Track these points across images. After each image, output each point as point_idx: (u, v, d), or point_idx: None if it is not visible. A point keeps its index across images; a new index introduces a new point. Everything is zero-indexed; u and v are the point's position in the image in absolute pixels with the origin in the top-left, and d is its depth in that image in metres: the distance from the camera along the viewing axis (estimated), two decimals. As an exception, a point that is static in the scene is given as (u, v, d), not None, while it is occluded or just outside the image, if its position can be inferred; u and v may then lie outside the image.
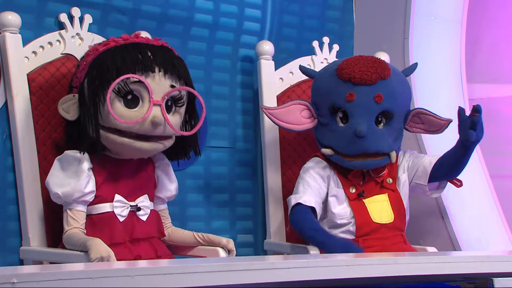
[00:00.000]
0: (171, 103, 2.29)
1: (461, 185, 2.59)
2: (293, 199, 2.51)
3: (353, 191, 2.54)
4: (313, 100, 2.62)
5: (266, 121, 2.78)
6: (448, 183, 2.62)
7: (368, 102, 2.49)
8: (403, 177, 2.60)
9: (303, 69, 2.72)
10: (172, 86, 2.26)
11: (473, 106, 2.41)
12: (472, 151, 2.52)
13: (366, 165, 2.51)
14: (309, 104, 2.59)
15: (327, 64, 2.82)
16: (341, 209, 2.52)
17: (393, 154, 2.54)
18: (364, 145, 2.48)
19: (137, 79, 2.21)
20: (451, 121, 2.55)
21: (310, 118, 2.59)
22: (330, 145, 2.55)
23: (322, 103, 2.57)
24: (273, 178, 2.78)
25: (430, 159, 2.59)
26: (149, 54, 2.24)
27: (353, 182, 2.55)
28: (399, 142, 2.58)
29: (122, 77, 2.19)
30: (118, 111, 2.22)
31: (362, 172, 2.56)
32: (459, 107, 2.48)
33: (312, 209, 2.49)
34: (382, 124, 2.53)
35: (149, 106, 2.22)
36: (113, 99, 2.21)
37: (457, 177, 2.59)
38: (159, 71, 2.23)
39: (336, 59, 2.71)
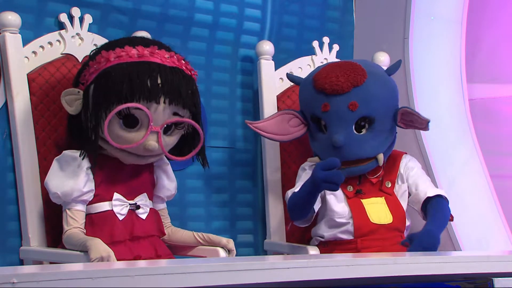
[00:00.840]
0: (171, 124, 2.28)
1: (452, 219, 2.56)
2: (290, 193, 2.52)
3: (351, 189, 2.54)
4: (300, 108, 2.65)
5: (266, 121, 2.78)
6: None
7: (343, 111, 2.49)
8: (403, 187, 2.60)
9: (290, 77, 2.74)
10: (175, 114, 2.26)
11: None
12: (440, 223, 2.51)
13: (350, 173, 2.51)
14: (297, 113, 2.60)
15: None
16: (340, 208, 2.52)
17: (380, 156, 2.54)
18: (343, 154, 2.49)
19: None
20: (429, 121, 2.54)
21: (299, 126, 2.61)
22: (317, 154, 2.58)
23: (306, 112, 2.60)
24: (273, 178, 2.78)
25: (426, 191, 2.56)
26: (159, 81, 2.22)
27: (349, 182, 2.55)
28: (387, 143, 2.57)
29: (124, 106, 2.19)
30: (115, 131, 2.22)
31: (358, 176, 2.56)
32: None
33: None
34: (365, 129, 2.53)
35: (146, 133, 2.22)
36: (113, 117, 2.21)
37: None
38: (164, 101, 2.23)
39: (318, 66, 2.71)
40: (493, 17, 3.27)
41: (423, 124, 2.55)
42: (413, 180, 2.59)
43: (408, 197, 2.60)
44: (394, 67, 2.66)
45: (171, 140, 2.30)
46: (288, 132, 2.60)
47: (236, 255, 2.38)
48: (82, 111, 2.26)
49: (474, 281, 1.89)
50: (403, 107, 2.58)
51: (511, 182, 3.15)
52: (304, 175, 2.55)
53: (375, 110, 2.52)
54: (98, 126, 2.23)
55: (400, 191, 2.59)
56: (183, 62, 2.32)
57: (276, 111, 2.80)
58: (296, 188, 2.50)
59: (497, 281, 1.89)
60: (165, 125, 2.25)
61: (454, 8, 3.10)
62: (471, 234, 2.86)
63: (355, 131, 2.51)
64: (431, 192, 2.55)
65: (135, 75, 2.21)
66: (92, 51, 2.35)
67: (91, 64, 2.29)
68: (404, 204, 2.58)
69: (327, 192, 2.53)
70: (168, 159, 2.40)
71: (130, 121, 2.23)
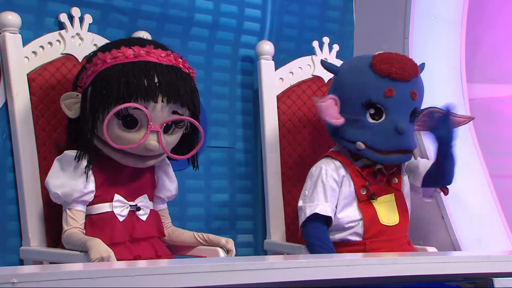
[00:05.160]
0: (171, 123, 2.28)
1: (447, 193, 2.60)
2: (308, 209, 2.48)
3: (364, 192, 2.52)
4: (339, 96, 2.53)
5: (266, 121, 2.78)
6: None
7: (406, 98, 2.48)
8: (406, 178, 2.61)
9: (325, 64, 2.65)
10: (174, 112, 2.25)
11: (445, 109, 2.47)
12: (452, 153, 2.51)
13: (400, 160, 2.52)
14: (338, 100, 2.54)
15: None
16: (350, 212, 2.50)
17: (416, 150, 2.56)
18: (403, 142, 2.47)
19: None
20: (473, 118, 2.57)
21: (338, 115, 2.53)
22: (362, 141, 2.49)
23: (353, 99, 2.50)
24: (273, 178, 2.78)
25: (427, 163, 2.61)
26: (156, 80, 2.21)
27: (365, 181, 2.53)
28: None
29: (122, 106, 2.18)
30: (115, 132, 2.22)
31: (374, 171, 2.55)
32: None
33: (329, 219, 2.48)
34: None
35: (146, 133, 2.22)
36: (112, 119, 2.20)
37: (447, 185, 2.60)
38: (162, 100, 2.22)
39: (361, 55, 2.66)
40: (493, 17, 3.27)
41: (458, 122, 2.56)
42: (413, 161, 2.61)
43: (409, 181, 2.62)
44: (420, 68, 2.65)
45: (172, 139, 2.30)
46: (338, 117, 2.51)
47: (236, 255, 2.38)
48: (81, 114, 2.26)
49: (474, 281, 1.89)
50: (432, 106, 2.60)
51: (511, 182, 3.15)
52: (321, 183, 2.50)
53: (421, 104, 2.54)
54: (95, 128, 2.23)
55: (405, 182, 2.60)
56: (180, 60, 2.31)
57: (276, 111, 2.80)
58: (317, 209, 2.46)
59: (497, 281, 1.89)
60: (165, 124, 2.25)
61: (454, 8, 3.10)
62: (471, 234, 2.86)
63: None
64: (431, 162, 2.59)
65: (132, 75, 2.20)
66: (89, 53, 2.35)
67: (88, 67, 2.29)
68: (408, 200, 2.59)
69: (341, 196, 2.51)
70: (169, 158, 2.40)
71: (129, 121, 2.23)
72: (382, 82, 2.48)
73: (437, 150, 2.52)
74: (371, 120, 2.50)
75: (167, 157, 2.40)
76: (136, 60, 2.23)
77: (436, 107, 2.59)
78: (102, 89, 2.21)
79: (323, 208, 2.47)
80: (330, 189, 2.50)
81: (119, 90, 2.18)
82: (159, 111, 2.22)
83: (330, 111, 2.51)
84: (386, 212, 2.52)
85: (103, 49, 2.30)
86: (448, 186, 2.60)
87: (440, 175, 2.55)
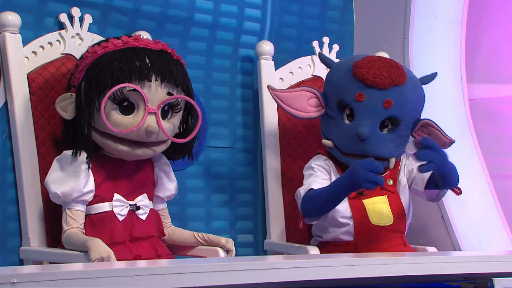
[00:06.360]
0: (167, 108, 2.29)
1: (460, 193, 2.52)
2: (302, 190, 2.48)
3: None
4: (324, 90, 2.61)
5: (266, 121, 2.78)
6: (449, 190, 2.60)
7: (376, 106, 2.47)
8: (403, 180, 2.59)
9: (322, 57, 2.69)
10: (169, 93, 2.26)
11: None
12: (447, 168, 2.42)
13: None
14: (319, 93, 2.58)
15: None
16: (343, 207, 2.50)
17: (392, 160, 2.53)
18: (365, 148, 2.47)
19: (133, 88, 2.21)
20: (454, 142, 2.55)
21: (317, 107, 2.57)
22: (332, 139, 2.55)
23: (332, 96, 2.55)
24: (273, 178, 2.78)
25: None
26: (147, 61, 2.23)
27: None
28: (401, 149, 2.56)
29: (117, 87, 2.19)
30: (113, 118, 2.22)
31: None
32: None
33: None
34: (387, 129, 2.51)
35: (144, 115, 2.22)
36: (109, 105, 2.21)
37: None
38: (156, 79, 2.23)
39: (355, 55, 2.68)
40: (493, 17, 3.27)
41: (444, 142, 2.55)
42: (414, 164, 2.56)
43: (410, 185, 2.59)
44: (429, 78, 2.65)
45: (171, 125, 2.30)
46: (305, 110, 2.56)
47: (236, 255, 2.39)
48: (76, 110, 2.27)
49: (474, 281, 1.89)
50: (427, 119, 2.59)
51: (511, 182, 3.15)
52: (311, 172, 2.52)
53: (404, 114, 2.51)
54: (92, 118, 2.23)
55: (401, 185, 2.58)
56: (169, 49, 2.33)
57: (276, 111, 2.80)
58: (311, 186, 2.47)
59: (497, 281, 1.89)
60: (162, 106, 2.24)
61: (454, 8, 3.10)
62: (471, 234, 2.86)
63: (379, 129, 2.51)
64: None
65: (124, 58, 2.23)
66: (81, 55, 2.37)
67: (80, 63, 2.32)
68: (405, 200, 2.58)
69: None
70: (169, 157, 2.41)
71: (127, 107, 2.23)
72: (356, 86, 2.49)
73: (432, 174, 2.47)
74: (346, 121, 2.52)
75: (166, 154, 2.40)
76: (125, 47, 2.26)
77: (432, 121, 2.58)
78: (95, 77, 2.22)
79: (316, 185, 2.47)
80: (320, 173, 2.51)
81: (113, 74, 2.20)
82: (154, 91, 2.23)
83: (289, 101, 2.55)
84: (378, 212, 2.52)
85: (93, 45, 2.33)
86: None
87: (443, 184, 2.49)
